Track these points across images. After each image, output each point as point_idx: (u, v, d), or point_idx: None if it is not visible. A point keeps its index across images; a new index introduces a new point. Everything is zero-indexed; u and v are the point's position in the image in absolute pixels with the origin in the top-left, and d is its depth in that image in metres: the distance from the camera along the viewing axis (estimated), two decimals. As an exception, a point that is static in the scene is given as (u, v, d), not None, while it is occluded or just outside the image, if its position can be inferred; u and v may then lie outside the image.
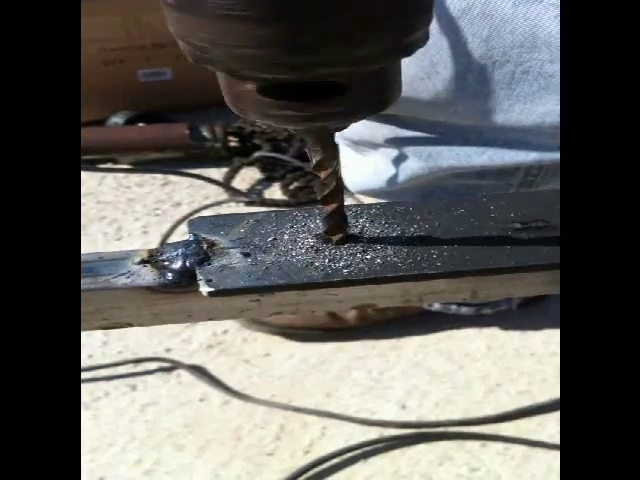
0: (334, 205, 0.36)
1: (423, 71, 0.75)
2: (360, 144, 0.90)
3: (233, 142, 1.57)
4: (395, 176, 0.86)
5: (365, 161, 0.91)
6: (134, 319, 0.37)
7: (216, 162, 1.55)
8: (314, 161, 0.35)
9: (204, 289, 0.35)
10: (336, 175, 0.35)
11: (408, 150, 0.84)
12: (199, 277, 0.35)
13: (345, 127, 0.33)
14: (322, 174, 0.35)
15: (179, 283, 0.36)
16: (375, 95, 0.31)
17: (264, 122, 0.32)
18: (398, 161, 0.85)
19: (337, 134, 0.90)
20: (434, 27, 0.71)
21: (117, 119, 1.58)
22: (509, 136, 0.79)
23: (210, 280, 0.35)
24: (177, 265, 0.36)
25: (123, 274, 0.36)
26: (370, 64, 0.29)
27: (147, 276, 0.36)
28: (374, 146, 0.88)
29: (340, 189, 0.36)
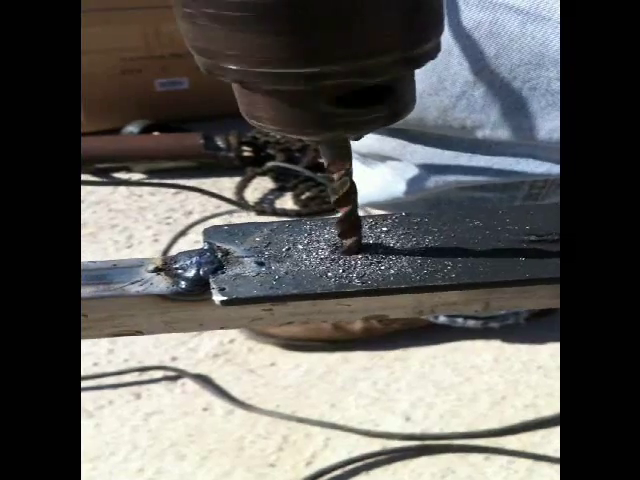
0: (347, 208, 0.36)
1: (431, 87, 0.75)
2: (369, 157, 0.90)
3: (247, 152, 1.58)
4: (402, 189, 0.87)
5: (373, 174, 0.91)
6: (145, 327, 0.37)
7: (229, 171, 1.56)
8: (327, 162, 0.35)
9: (217, 298, 0.35)
10: (350, 177, 0.35)
11: (416, 163, 0.84)
12: (212, 286, 0.35)
13: (360, 137, 0.33)
14: (336, 176, 0.35)
15: (192, 292, 0.36)
16: (390, 105, 0.31)
17: (279, 133, 0.32)
18: (405, 174, 0.85)
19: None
20: (442, 44, 0.71)
21: (132, 128, 1.59)
22: (517, 151, 0.79)
23: (223, 289, 0.35)
24: (191, 273, 0.36)
25: (137, 282, 0.36)
26: (382, 75, 0.29)
27: (160, 284, 0.36)
28: (382, 159, 0.88)
29: (354, 192, 0.36)
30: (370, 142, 0.86)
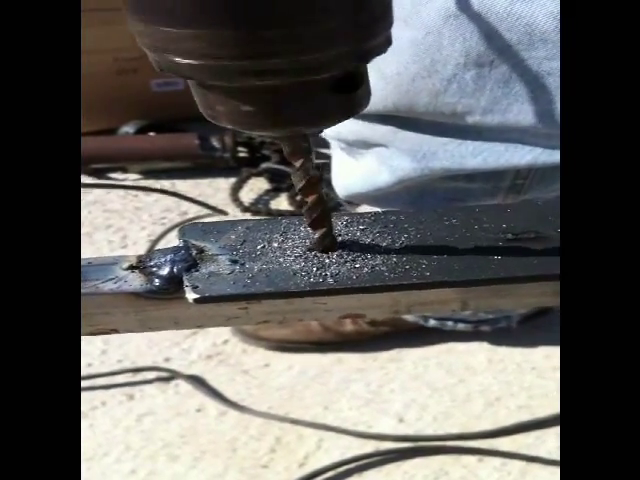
0: (323, 229, 0.36)
1: (425, 70, 0.75)
2: (354, 145, 0.89)
3: (242, 153, 1.58)
4: (386, 179, 0.86)
5: (357, 164, 0.91)
6: (120, 325, 0.37)
7: (225, 172, 1.56)
8: (300, 186, 0.35)
9: (190, 295, 0.34)
10: (322, 200, 0.35)
11: (403, 150, 0.84)
12: (186, 283, 0.35)
13: (319, 132, 0.33)
14: (309, 199, 0.35)
15: (166, 289, 0.36)
16: (341, 101, 0.31)
17: (236, 129, 0.32)
18: (390, 162, 0.85)
19: (331, 135, 0.89)
20: (434, 26, 0.72)
21: (128, 128, 1.60)
22: (507, 137, 0.79)
23: (196, 287, 0.35)
24: (164, 271, 0.36)
25: (111, 279, 0.36)
26: (331, 70, 0.29)
27: (134, 282, 0.36)
28: (369, 146, 0.87)
29: (327, 213, 0.36)
30: (358, 128, 0.86)
